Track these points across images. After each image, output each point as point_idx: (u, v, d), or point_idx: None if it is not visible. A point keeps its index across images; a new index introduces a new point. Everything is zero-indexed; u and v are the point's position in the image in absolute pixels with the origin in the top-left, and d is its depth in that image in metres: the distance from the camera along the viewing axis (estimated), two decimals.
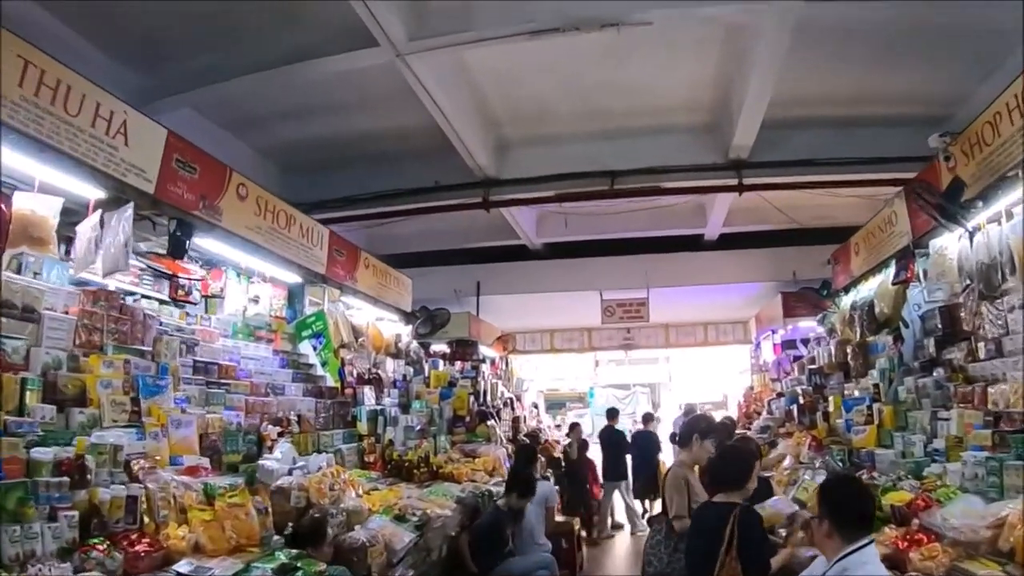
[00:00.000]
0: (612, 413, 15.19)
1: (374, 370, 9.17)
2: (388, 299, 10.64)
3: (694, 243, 15.71)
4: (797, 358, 15.15)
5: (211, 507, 4.61)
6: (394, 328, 10.56)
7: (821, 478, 6.64)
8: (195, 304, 7.19)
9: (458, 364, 14.27)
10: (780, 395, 11.66)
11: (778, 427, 10.03)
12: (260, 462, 5.76)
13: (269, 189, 8.04)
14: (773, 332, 15.43)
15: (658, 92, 10.33)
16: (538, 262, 16.06)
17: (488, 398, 12.51)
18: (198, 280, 7.15)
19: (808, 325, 13.87)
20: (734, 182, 11.44)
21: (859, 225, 12.61)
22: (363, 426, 8.24)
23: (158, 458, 4.85)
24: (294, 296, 9.06)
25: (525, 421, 14.76)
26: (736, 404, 19.34)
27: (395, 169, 12.14)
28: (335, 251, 9.07)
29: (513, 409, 14.34)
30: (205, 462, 5.26)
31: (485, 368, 14.95)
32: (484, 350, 16.11)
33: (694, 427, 5.97)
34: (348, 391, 8.53)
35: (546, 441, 14.39)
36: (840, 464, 7.24)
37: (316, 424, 7.44)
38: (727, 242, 15.58)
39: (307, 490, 5.48)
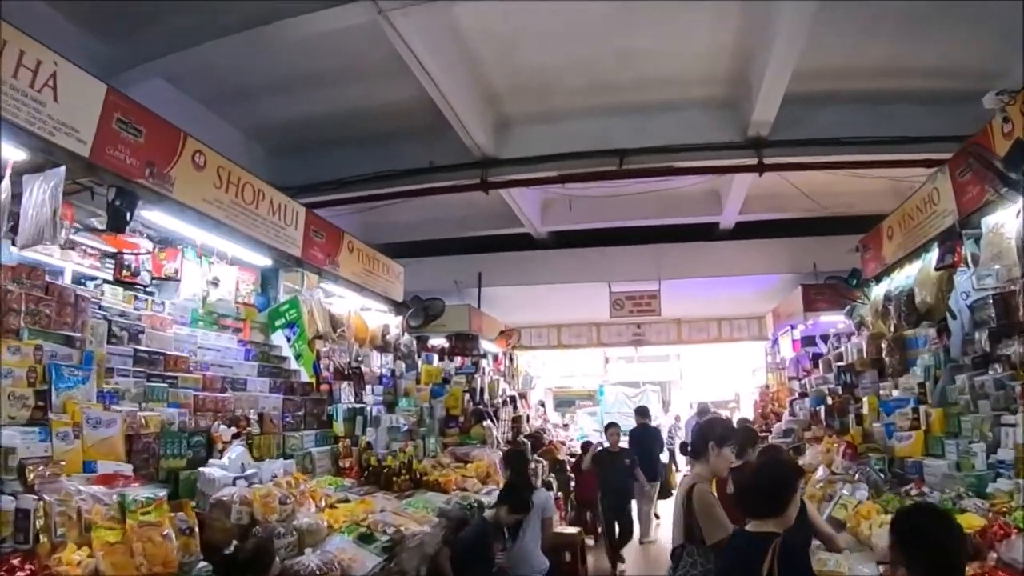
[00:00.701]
0: (643, 411, 14.07)
1: (355, 364, 8.27)
2: (375, 287, 9.77)
3: (708, 232, 14.93)
4: (817, 355, 14.43)
5: (123, 525, 3.73)
6: (382, 319, 9.67)
7: (862, 493, 5.74)
8: (145, 287, 6.31)
9: (458, 360, 13.42)
10: (803, 395, 10.74)
11: (803, 430, 9.13)
12: (201, 469, 4.90)
13: (256, 172, 7.37)
14: (792, 327, 14.51)
15: (672, 62, 9.54)
16: (543, 252, 15.26)
17: (486, 396, 11.60)
18: (146, 257, 6.25)
19: (830, 319, 13.07)
20: (753, 161, 10.61)
21: (883, 213, 11.94)
22: (339, 427, 7.36)
23: (63, 463, 3.96)
24: (267, 282, 8.21)
25: (529, 421, 13.86)
26: (752, 404, 18.43)
27: (388, 149, 11.42)
28: (313, 232, 8.20)
29: (515, 408, 13.43)
30: (127, 469, 4.35)
31: (485, 364, 14.05)
32: (486, 345, 15.22)
33: (708, 433, 4.75)
34: (324, 387, 7.66)
35: (550, 442, 13.52)
36: (882, 476, 6.32)
37: (283, 424, 6.57)
38: (743, 231, 14.78)
39: (251, 504, 4.60)
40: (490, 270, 15.14)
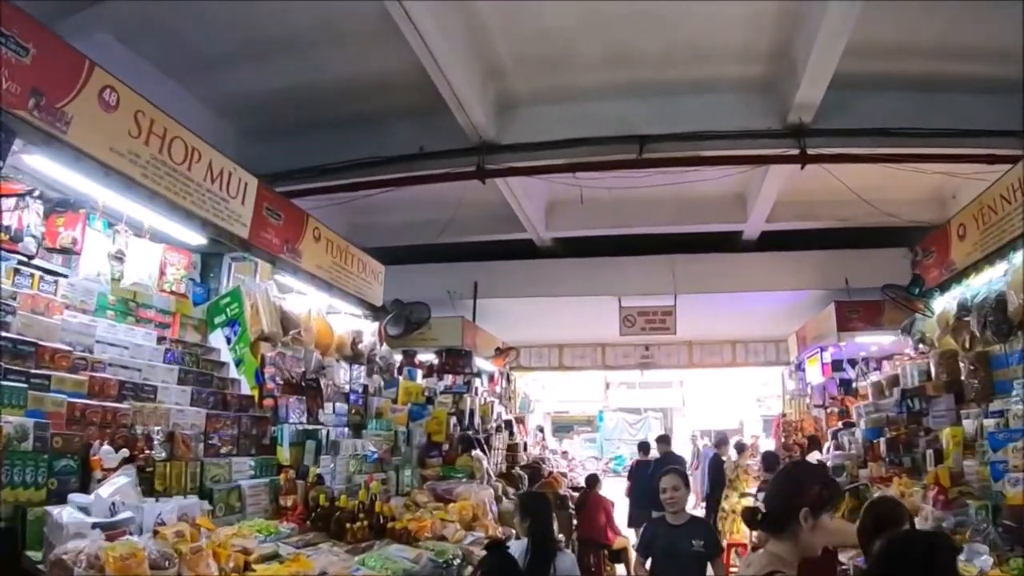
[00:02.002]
0: (665, 439, 14.49)
1: (312, 376, 6.71)
2: (348, 286, 8.28)
3: (729, 243, 13.43)
4: (845, 381, 13.24)
5: None
6: (353, 325, 8.14)
7: (985, 560, 4.20)
8: (30, 257, 4.76)
9: (448, 378, 11.88)
10: (848, 424, 9.18)
11: (856, 467, 7.58)
12: (50, 508, 3.38)
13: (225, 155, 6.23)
14: (822, 350, 13.02)
15: (704, 28, 8.16)
16: (546, 261, 13.74)
17: (477, 420, 9.95)
18: (35, 221, 4.69)
19: (866, 340, 11.83)
20: (795, 151, 9.15)
21: (925, 225, 10.97)
22: (284, 453, 5.83)
23: None
24: (209, 269, 6.75)
25: (526, 449, 12.28)
26: (771, 432, 16.95)
27: (374, 132, 10.05)
28: (267, 210, 6.71)
29: (512, 434, 11.86)
30: None
31: (479, 384, 12.49)
32: (480, 363, 13.68)
33: (799, 493, 2.92)
34: (268, 402, 6.12)
35: (551, 474, 11.95)
36: (998, 531, 4.77)
37: (205, 447, 5.03)
38: (768, 242, 13.28)
39: (103, 567, 3.04)
40: (487, 280, 13.58)
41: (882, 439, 7.42)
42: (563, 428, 40.95)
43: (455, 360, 12.28)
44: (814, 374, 13.69)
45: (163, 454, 4.54)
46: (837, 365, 13.02)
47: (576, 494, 11.89)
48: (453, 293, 13.39)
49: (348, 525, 5.20)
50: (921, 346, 8.19)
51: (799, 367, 15.04)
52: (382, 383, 8.42)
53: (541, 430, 20.82)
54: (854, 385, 13.20)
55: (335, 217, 10.40)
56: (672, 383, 41.00)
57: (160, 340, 5.78)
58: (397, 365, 9.16)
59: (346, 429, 6.84)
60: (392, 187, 9.99)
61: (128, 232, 5.36)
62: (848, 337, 11.72)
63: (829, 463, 8.32)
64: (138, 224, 5.49)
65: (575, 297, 13.60)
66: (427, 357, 12.46)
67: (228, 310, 6.35)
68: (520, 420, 17.05)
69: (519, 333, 16.47)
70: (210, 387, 5.74)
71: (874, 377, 13.85)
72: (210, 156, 5.92)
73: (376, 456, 6.84)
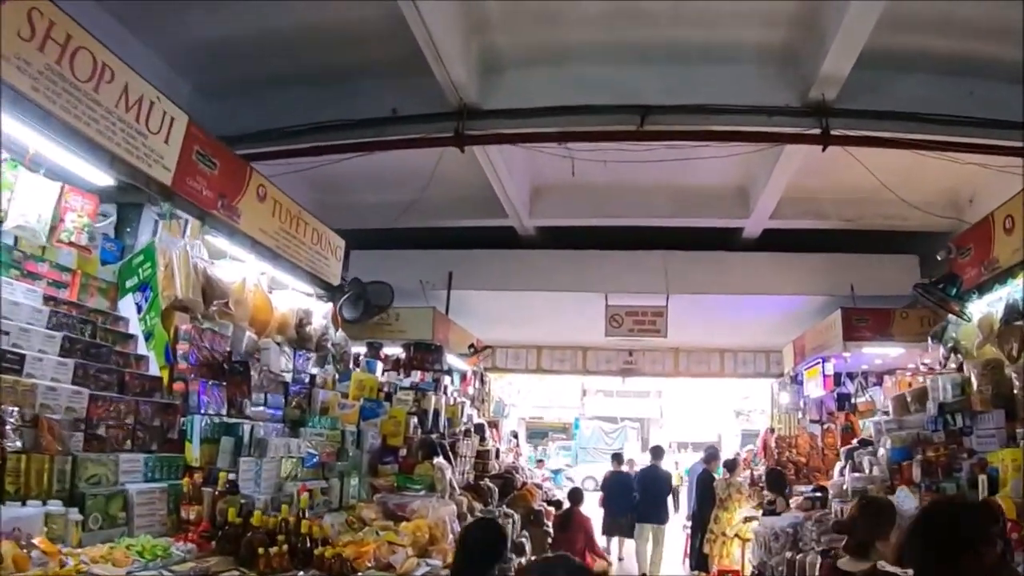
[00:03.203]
0: (657, 451, 14.48)
1: (240, 358, 5.53)
2: (299, 258, 7.13)
3: (727, 241, 12.41)
4: (843, 397, 12.53)
5: None
6: (301, 303, 6.99)
7: None
8: None
9: (417, 375, 10.73)
10: (864, 442, 8.07)
11: (881, 492, 6.48)
12: None
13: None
14: (824, 361, 11.99)
15: None
16: (529, 252, 12.65)
17: (443, 422, 8.78)
18: None
19: (875, 351, 10.93)
20: (816, 131, 8.10)
21: (938, 232, 10.44)
22: (194, 451, 4.70)
23: None
24: (127, 223, 5.59)
25: (498, 456, 11.11)
26: (759, 449, 15.89)
27: (343, 91, 8.95)
28: (198, 155, 5.57)
29: (483, 439, 10.69)
30: None
31: (449, 382, 11.32)
32: (452, 360, 12.54)
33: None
34: (177, 386, 4.98)
35: (524, 485, 10.80)
36: None
37: (85, 438, 3.89)
38: (769, 243, 12.27)
39: None
40: (464, 270, 12.46)
41: (914, 461, 6.33)
42: (538, 435, 40.28)
43: (424, 355, 11.11)
44: (813, 387, 12.68)
45: (18, 445, 3.39)
46: (836, 379, 12.15)
47: (552, 508, 10.80)
48: (426, 283, 12.26)
49: (261, 550, 4.02)
50: (954, 356, 7.13)
51: (795, 379, 14.03)
52: (335, 375, 7.28)
53: (515, 436, 19.80)
54: (853, 400, 12.40)
55: (302, 192, 9.28)
56: (650, 393, 40.50)
57: (48, 301, 4.62)
58: (354, 355, 7.96)
59: (281, 426, 5.67)
60: (360, 152, 8.87)
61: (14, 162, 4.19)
62: (855, 348, 10.73)
63: (846, 486, 7.24)
64: (27, 152, 4.31)
65: (558, 293, 12.51)
66: (394, 350, 11.31)
67: (140, 271, 5.15)
68: (494, 424, 16.01)
69: (495, 332, 15.33)
70: (103, 362, 4.58)
71: (873, 394, 13.15)
72: (126, 79, 4.77)
73: (316, 460, 5.69)
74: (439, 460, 6.65)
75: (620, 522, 13.53)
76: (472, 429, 9.95)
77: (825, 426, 13.06)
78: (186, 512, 4.31)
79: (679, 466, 16.93)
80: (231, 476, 4.54)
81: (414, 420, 7.31)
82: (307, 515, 4.62)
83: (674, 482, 15.75)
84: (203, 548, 4.12)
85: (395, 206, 11.53)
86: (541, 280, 12.31)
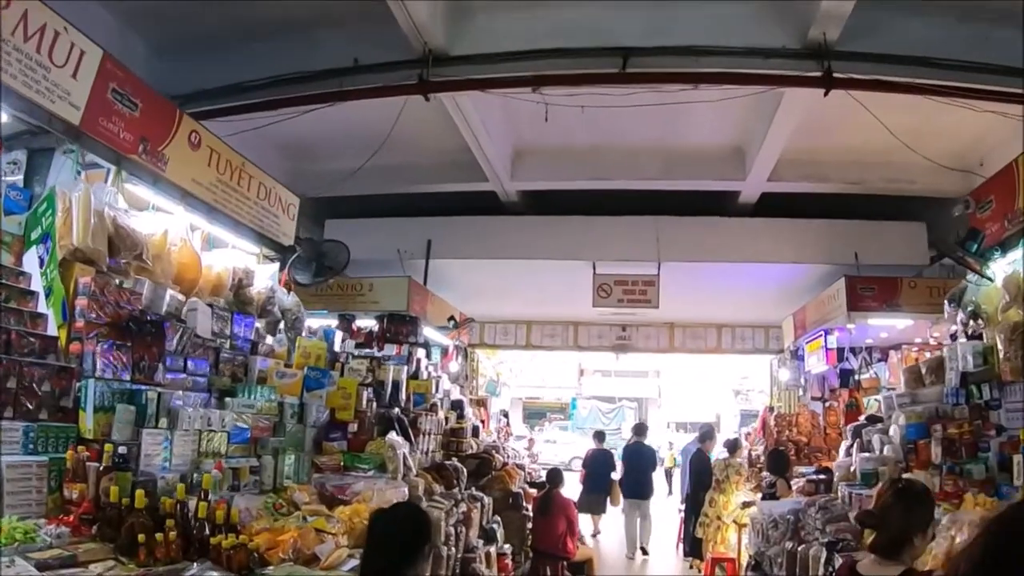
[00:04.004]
0: (640, 429, 15.13)
1: (154, 316, 4.75)
2: (241, 215, 6.43)
3: (723, 206, 11.58)
4: (846, 372, 12.00)
5: None
6: (240, 262, 6.23)
7: None
8: None
9: (393, 349, 10.02)
10: (874, 419, 7.33)
11: (896, 473, 5.75)
12: None
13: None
14: (826, 334, 11.30)
15: None
16: (511, 218, 11.82)
17: (403, 396, 7.91)
18: None
19: (882, 323, 10.31)
20: (816, 73, 7.35)
21: (946, 197, 9.94)
22: (87, 420, 3.97)
23: None
24: (36, 170, 4.94)
25: (477, 434, 10.36)
26: (758, 427, 15.27)
27: (302, 44, 8.22)
28: (115, 93, 4.90)
29: (461, 416, 9.94)
30: None
31: (424, 355, 10.56)
32: (430, 333, 11.82)
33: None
34: (75, 347, 4.25)
35: (505, 466, 10.08)
36: None
37: None
38: (766, 208, 11.46)
39: None
40: (443, 238, 11.68)
41: (932, 439, 5.58)
42: (536, 415, 39.91)
43: (399, 327, 10.41)
44: (815, 362, 11.99)
45: None
46: (839, 354, 11.63)
47: (535, 491, 10.09)
48: (404, 252, 11.51)
49: (143, 536, 3.30)
50: (974, 322, 6.39)
51: (796, 354, 13.33)
52: (285, 341, 6.54)
53: (506, 415, 19.29)
54: (856, 377, 11.79)
55: (272, 159, 8.78)
56: (648, 372, 40.19)
57: None
58: (306, 322, 7.19)
59: (207, 395, 4.94)
60: (320, 104, 8.07)
61: None
62: (860, 318, 10.08)
63: (854, 467, 6.50)
64: None
65: (543, 261, 11.71)
66: (368, 323, 10.62)
67: (44, 221, 4.48)
68: (482, 403, 15.41)
69: (481, 306, 14.64)
70: None
71: (878, 370, 12.45)
72: (26, 6, 4.14)
73: (247, 435, 4.97)
74: (392, 436, 5.87)
75: (596, 499, 14.00)
76: (440, 404, 9.19)
77: (827, 403, 12.45)
78: (69, 490, 3.62)
79: (673, 446, 16.33)
80: (121, 449, 3.80)
81: (368, 392, 6.53)
82: (212, 497, 3.89)
83: (666, 464, 15.51)
84: (81, 532, 3.46)
85: (371, 172, 10.82)
86: (525, 248, 11.53)
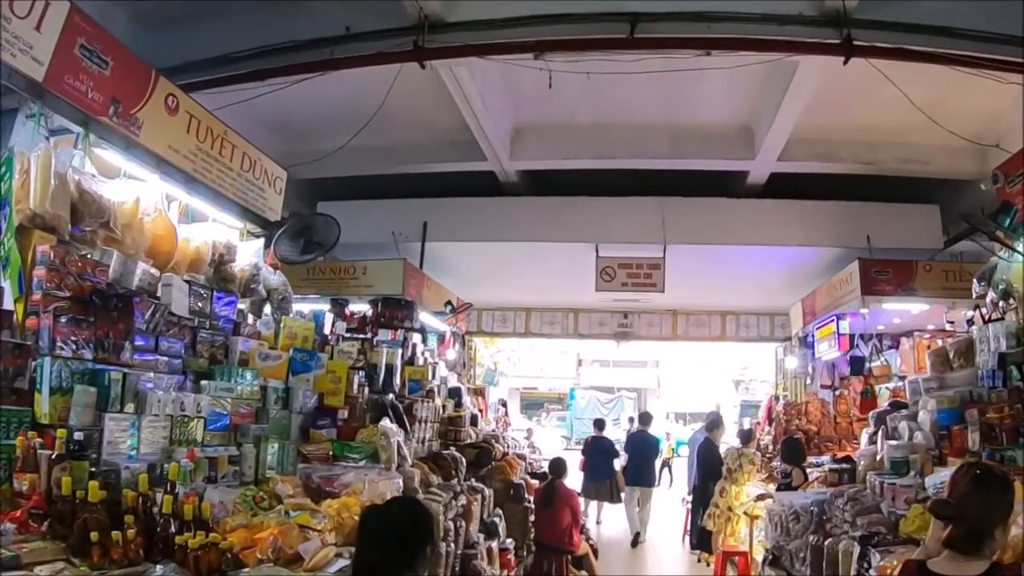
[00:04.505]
0: (645, 418, 15.63)
1: (123, 289, 4.30)
2: (223, 186, 5.97)
3: (731, 186, 11.13)
4: (856, 360, 11.73)
5: None
6: (220, 236, 5.78)
7: None
8: None
9: (388, 334, 9.61)
10: (898, 404, 6.91)
11: (928, 463, 5.32)
12: None
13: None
14: (838, 319, 10.90)
15: None
16: (511, 199, 11.37)
17: (397, 382, 7.29)
18: None
19: (897, 308, 9.99)
20: (835, 40, 6.95)
21: (961, 179, 9.90)
22: (43, 404, 3.55)
23: None
24: None
25: (475, 423, 9.92)
26: (762, 417, 14.99)
27: (293, 13, 7.69)
28: (83, 50, 4.45)
29: (459, 404, 9.50)
30: None
31: (419, 341, 10.12)
32: (428, 319, 11.39)
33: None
34: (31, 321, 3.80)
35: (505, 455, 9.67)
36: None
37: None
38: (776, 190, 11.00)
39: None
40: (440, 220, 11.23)
41: (969, 424, 5.15)
42: (533, 405, 39.67)
43: (393, 312, 9.99)
44: (825, 349, 11.60)
45: None
46: (850, 341, 11.43)
47: (536, 482, 9.68)
48: (399, 234, 11.07)
49: (96, 535, 2.87)
50: (1004, 302, 5.97)
51: (805, 341, 12.93)
52: (275, 325, 6.11)
53: (504, 404, 18.95)
54: (867, 365, 11.44)
55: (263, 138, 8.15)
56: (647, 363, 39.87)
57: None
58: (294, 304, 6.73)
59: (181, 378, 4.51)
60: (310, 73, 7.64)
61: None
62: (874, 303, 9.68)
63: (880, 456, 6.09)
64: None
65: (544, 244, 11.28)
66: (361, 307, 10.21)
67: (2, 185, 4.04)
68: (479, 392, 15.01)
69: (479, 292, 14.16)
70: None
71: (889, 358, 12.07)
72: None
73: (226, 421, 4.55)
74: (385, 423, 5.42)
75: (599, 486, 14.34)
76: (437, 391, 8.77)
77: (837, 392, 12.06)
78: (19, 482, 3.20)
79: (670, 436, 16.15)
80: (77, 435, 3.37)
81: (359, 376, 6.10)
82: (183, 489, 3.47)
83: (664, 454, 15.36)
84: (29, 529, 3.03)
85: (365, 152, 10.42)
86: (525, 230, 11.08)
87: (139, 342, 4.25)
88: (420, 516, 3.10)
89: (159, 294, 4.72)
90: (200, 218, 5.95)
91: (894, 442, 5.76)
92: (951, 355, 6.24)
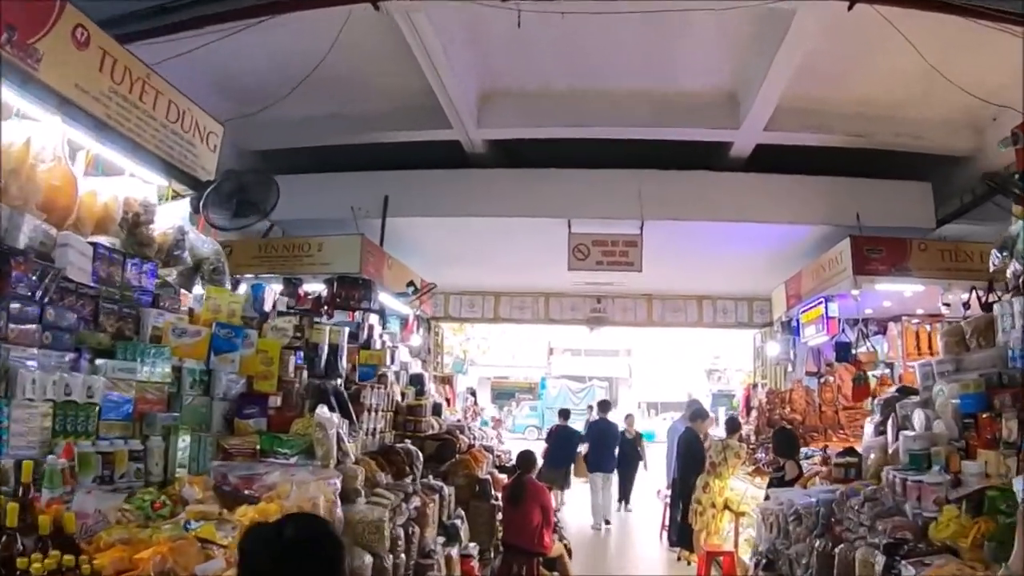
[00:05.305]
0: (605, 405, 15.84)
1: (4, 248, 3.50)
2: (143, 137, 5.14)
3: (713, 159, 10.41)
4: (842, 346, 11.51)
5: None
6: (136, 192, 4.95)
7: None
8: None
9: (345, 316, 8.85)
10: (907, 390, 6.19)
11: (954, 456, 4.60)
12: None
13: None
14: (827, 301, 10.24)
15: None
16: (478, 171, 10.55)
17: (343, 365, 6.29)
18: None
19: (891, 288, 9.50)
20: None
21: (955, 156, 9.60)
22: None
23: None
24: None
25: (437, 413, 9.13)
26: (741, 407, 14.41)
27: None
28: None
29: (421, 392, 8.74)
30: None
31: (377, 323, 9.29)
32: (388, 301, 10.58)
33: None
34: None
35: (471, 448, 8.89)
36: None
37: None
38: (761, 162, 10.28)
39: None
40: (402, 194, 10.40)
41: (1004, 413, 4.41)
42: (505, 395, 39.16)
43: (350, 291, 9.18)
44: (812, 333, 10.96)
45: None
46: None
47: (505, 477, 8.90)
48: (358, 209, 10.23)
49: None
50: None
51: (788, 326, 12.28)
52: (204, 298, 5.27)
53: (473, 393, 18.36)
54: (854, 351, 10.87)
55: (212, 101, 7.30)
56: (619, 351, 39.53)
57: None
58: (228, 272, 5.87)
59: (75, 356, 3.70)
60: (251, 18, 6.83)
61: None
62: (867, 283, 9.13)
63: (892, 449, 5.36)
64: None
65: (513, 219, 10.49)
66: (316, 287, 9.42)
67: None
68: (447, 380, 14.36)
69: (446, 274, 13.34)
70: None
71: (875, 343, 11.47)
72: None
73: (129, 409, 3.74)
74: (323, 412, 4.57)
75: (555, 473, 14.14)
76: (397, 377, 7.98)
77: (823, 379, 11.42)
78: None
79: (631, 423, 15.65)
80: None
81: (296, 358, 5.27)
82: (51, 494, 2.69)
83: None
84: None
85: (322, 121, 9.77)
86: (492, 204, 10.28)
87: (19, 310, 3.44)
88: (322, 545, 2.26)
89: (53, 256, 3.90)
90: (114, 172, 5.11)
91: (911, 433, 5.03)
92: (968, 334, 5.52)
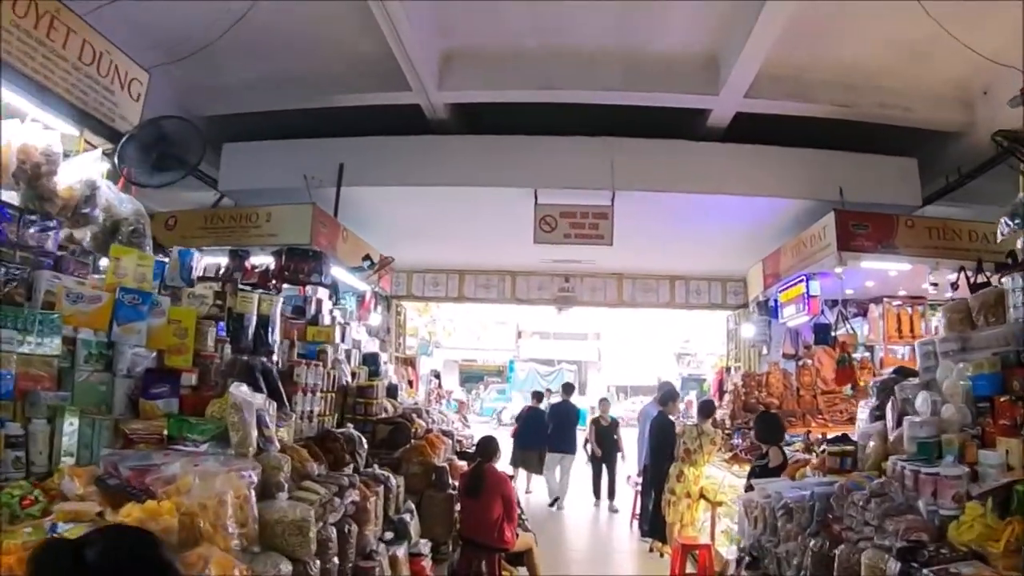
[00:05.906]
0: (568, 388, 15.79)
1: None
2: (48, 78, 4.49)
3: (690, 127, 9.79)
4: (821, 328, 11.38)
5: None
6: (36, 139, 4.22)
7: None
8: None
9: (296, 291, 8.19)
10: (905, 371, 5.64)
11: (970, 443, 4.02)
12: None
13: None
14: (808, 279, 9.75)
15: None
16: (439, 137, 9.90)
17: (277, 339, 5.42)
18: None
19: (877, 266, 9.06)
20: None
21: (942, 131, 9.26)
22: None
23: None
24: None
25: (393, 394, 8.51)
26: (713, 390, 14.02)
27: None
28: None
29: (375, 373, 8.11)
30: None
31: (328, 297, 8.61)
32: (343, 276, 9.91)
33: None
34: None
35: (429, 432, 8.27)
36: None
37: None
38: (741, 132, 9.72)
39: None
40: (358, 162, 9.74)
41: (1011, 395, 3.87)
42: (473, 378, 38.73)
43: (299, 264, 8.51)
44: (792, 313, 10.46)
45: None
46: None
47: (465, 464, 8.26)
48: (311, 179, 9.57)
49: None
50: None
51: (765, 306, 11.76)
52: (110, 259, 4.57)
53: (438, 376, 17.76)
54: (833, 333, 10.44)
55: (160, 67, 6.67)
56: (588, 335, 39.27)
57: None
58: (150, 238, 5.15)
59: None
60: None
61: None
62: (852, 260, 8.65)
63: (895, 436, 4.79)
64: None
65: (477, 188, 9.81)
66: (264, 259, 8.72)
67: None
68: (410, 362, 13.74)
69: (407, 250, 12.63)
70: None
71: (855, 326, 11.04)
72: None
73: (9, 387, 3.08)
74: (240, 391, 3.84)
75: (527, 455, 14.71)
76: (347, 356, 7.33)
77: (801, 362, 10.94)
78: None
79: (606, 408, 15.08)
80: None
81: (217, 329, 4.57)
82: None
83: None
84: None
85: (274, 85, 9.19)
86: (454, 173, 9.62)
87: None
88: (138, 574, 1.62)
89: None
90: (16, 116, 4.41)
91: (915, 419, 4.45)
92: (975, 311, 4.96)
